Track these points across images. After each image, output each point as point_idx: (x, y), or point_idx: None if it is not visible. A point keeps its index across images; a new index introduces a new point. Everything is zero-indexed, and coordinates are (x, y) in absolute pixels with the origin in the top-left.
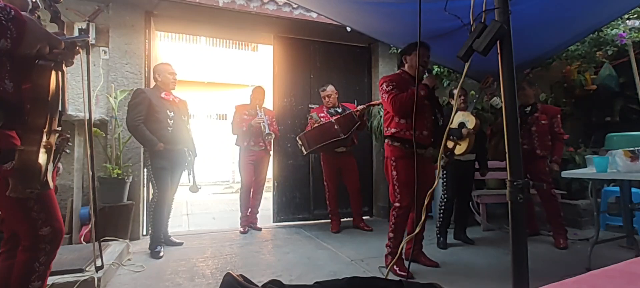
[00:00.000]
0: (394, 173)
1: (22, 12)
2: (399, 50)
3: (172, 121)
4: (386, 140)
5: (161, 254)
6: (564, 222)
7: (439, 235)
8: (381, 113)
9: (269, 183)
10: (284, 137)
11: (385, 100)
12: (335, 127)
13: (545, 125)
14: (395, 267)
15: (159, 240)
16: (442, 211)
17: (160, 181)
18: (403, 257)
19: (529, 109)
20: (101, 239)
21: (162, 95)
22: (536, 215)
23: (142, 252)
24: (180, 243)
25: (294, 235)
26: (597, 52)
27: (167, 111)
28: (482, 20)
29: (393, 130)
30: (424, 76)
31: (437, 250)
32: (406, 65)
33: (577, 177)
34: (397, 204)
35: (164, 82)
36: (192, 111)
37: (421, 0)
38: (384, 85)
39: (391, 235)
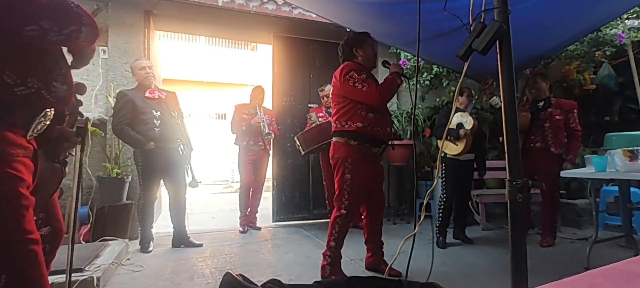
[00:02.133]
0: (348, 176)
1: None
2: (345, 40)
3: (158, 121)
4: (342, 138)
5: (150, 249)
6: (556, 224)
7: (438, 235)
8: None
9: (268, 183)
10: (283, 137)
11: (363, 89)
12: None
13: (560, 121)
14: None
15: (149, 239)
16: (441, 211)
17: (146, 181)
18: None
19: (542, 104)
20: (100, 239)
21: (146, 94)
22: (532, 212)
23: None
24: (200, 245)
25: (294, 234)
26: (596, 52)
27: (153, 111)
28: (482, 20)
29: (359, 124)
30: (390, 65)
31: (436, 249)
32: (359, 58)
33: (576, 176)
34: (343, 211)
35: (140, 80)
36: (191, 110)
37: (421, 0)
38: (354, 74)
39: (333, 244)
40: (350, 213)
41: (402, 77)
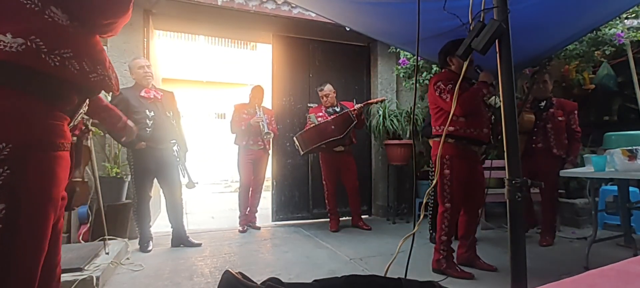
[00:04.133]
0: (447, 171)
1: None
2: (441, 49)
3: (151, 121)
4: (440, 138)
5: (149, 248)
6: (556, 224)
7: (431, 231)
8: (380, 112)
9: (267, 183)
10: (282, 136)
11: (446, 100)
12: (332, 126)
13: (562, 122)
14: (457, 268)
15: (147, 238)
16: (430, 208)
17: (138, 181)
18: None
19: (544, 103)
20: (100, 238)
21: (142, 93)
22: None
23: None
24: (199, 244)
25: (293, 234)
26: (596, 52)
27: (146, 111)
28: (481, 19)
29: (451, 128)
30: (480, 74)
31: (430, 245)
32: (452, 66)
33: (575, 176)
34: (447, 205)
35: (138, 79)
36: (190, 110)
37: (420, 0)
38: (441, 84)
39: (444, 238)
40: (454, 206)
41: (487, 86)
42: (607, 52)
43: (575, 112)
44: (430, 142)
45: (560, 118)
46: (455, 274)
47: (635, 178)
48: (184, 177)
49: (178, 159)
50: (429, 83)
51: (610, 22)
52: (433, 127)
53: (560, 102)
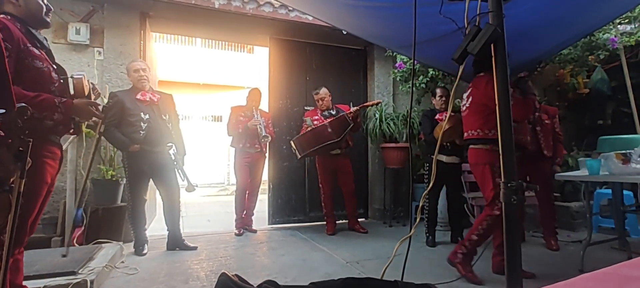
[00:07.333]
0: (499, 180)
1: None
2: (481, 50)
3: (145, 124)
4: (487, 145)
5: (144, 251)
6: (556, 225)
7: (427, 235)
8: (377, 115)
9: (264, 186)
10: (279, 139)
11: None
12: (328, 130)
13: (549, 124)
14: (469, 269)
15: (143, 242)
16: (426, 212)
17: (132, 184)
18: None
19: None
20: (94, 241)
21: (138, 96)
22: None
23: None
24: (195, 248)
25: (289, 237)
26: (590, 56)
27: (141, 113)
28: (477, 24)
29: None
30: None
31: (426, 249)
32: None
33: (570, 179)
34: (497, 212)
35: (134, 82)
36: (186, 112)
37: (416, 4)
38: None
39: (474, 238)
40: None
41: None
42: (601, 57)
43: (557, 116)
44: (472, 147)
45: (547, 121)
46: (463, 273)
47: (629, 181)
48: (183, 180)
49: (175, 163)
50: (482, 85)
51: (604, 27)
52: (475, 131)
53: (543, 106)
